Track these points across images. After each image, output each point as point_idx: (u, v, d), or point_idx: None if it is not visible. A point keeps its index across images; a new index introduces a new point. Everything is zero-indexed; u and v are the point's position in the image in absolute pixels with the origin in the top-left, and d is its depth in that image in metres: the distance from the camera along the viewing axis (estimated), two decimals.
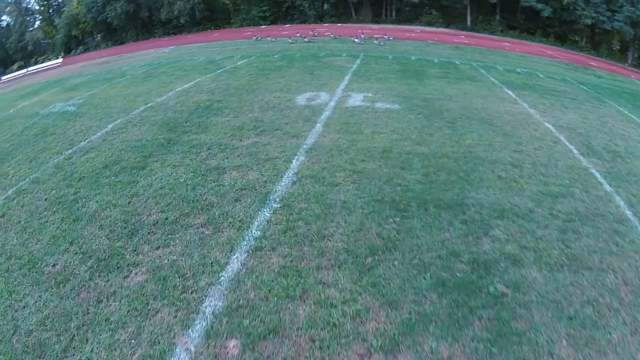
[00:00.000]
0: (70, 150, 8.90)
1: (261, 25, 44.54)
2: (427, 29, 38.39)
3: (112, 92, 14.91)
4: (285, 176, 6.32)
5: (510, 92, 13.13)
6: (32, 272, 4.88)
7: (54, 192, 6.93)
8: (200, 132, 8.81)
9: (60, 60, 42.06)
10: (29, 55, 59.92)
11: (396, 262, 4.49)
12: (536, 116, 10.43)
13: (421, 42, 27.96)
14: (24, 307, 4.29)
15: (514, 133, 8.77)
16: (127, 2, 47.43)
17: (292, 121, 8.97)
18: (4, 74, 50.17)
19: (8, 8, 59.99)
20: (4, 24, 62.11)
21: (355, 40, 25.88)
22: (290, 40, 26.73)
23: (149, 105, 11.83)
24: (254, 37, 30.15)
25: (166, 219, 5.54)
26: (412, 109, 10.04)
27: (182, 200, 5.93)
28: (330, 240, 4.82)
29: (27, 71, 41.47)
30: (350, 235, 4.91)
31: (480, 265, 4.50)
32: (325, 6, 47.99)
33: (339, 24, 41.36)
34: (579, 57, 32.48)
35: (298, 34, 29.06)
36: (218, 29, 47.09)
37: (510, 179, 6.52)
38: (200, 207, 5.72)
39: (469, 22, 41.26)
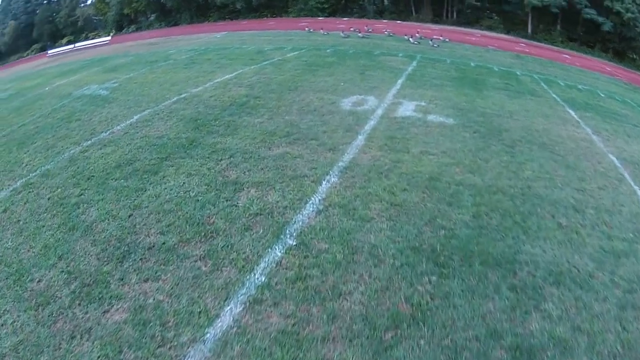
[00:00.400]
0: (90, 142, 8.51)
1: (319, 16, 43.74)
2: (487, 33, 36.63)
3: (150, 77, 14.65)
4: (311, 202, 5.44)
5: (572, 113, 11.75)
6: (17, 286, 4.46)
7: (59, 190, 6.48)
8: (227, 134, 8.09)
9: (108, 38, 42.98)
10: (79, 30, 61.56)
11: (422, 342, 3.52)
12: (599, 144, 9.09)
13: (481, 47, 26.30)
14: (2, 325, 3.96)
15: (577, 165, 7.53)
16: None
17: (331, 130, 8.08)
18: (52, 47, 52.03)
19: None
20: None
21: (410, 39, 24.60)
22: (343, 35, 25.76)
23: (182, 96, 11.30)
24: (306, 29, 29.39)
25: (163, 243, 4.83)
26: (468, 125, 8.91)
27: (186, 222, 5.20)
28: (346, 300, 3.90)
29: (75, 47, 42.59)
30: (373, 296, 3.96)
31: (523, 354, 3.47)
32: (386, 2, 46.56)
33: (398, 22, 39.94)
34: (637, 77, 29.93)
35: (352, 29, 28.03)
36: (274, 17, 46.74)
37: (571, 229, 5.36)
38: (204, 233, 4.97)
39: (529, 31, 39.25)
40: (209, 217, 5.34)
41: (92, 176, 6.81)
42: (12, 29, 65.93)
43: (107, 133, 8.96)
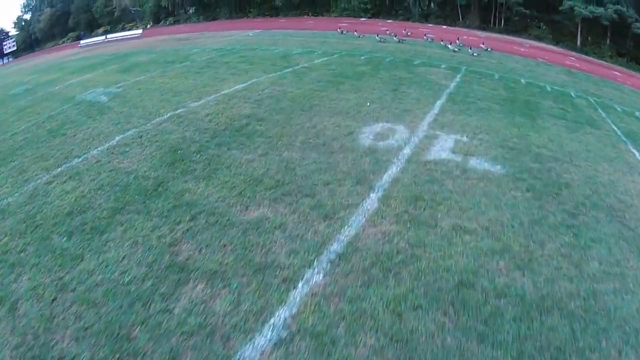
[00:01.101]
0: (59, 169, 7.36)
1: (361, 17, 41.80)
2: (535, 44, 34.00)
3: (157, 82, 13.60)
4: (272, 322, 3.67)
5: (637, 155, 9.51)
6: None
7: (5, 239, 5.34)
8: (203, 176, 6.47)
9: (140, 31, 42.52)
10: (116, 20, 61.57)
11: None
12: None
13: (531, 59, 23.80)
14: None
15: None
16: None
17: (337, 179, 6.28)
18: (86, 36, 52.24)
19: None
20: None
21: (449, 45, 22.39)
22: (378, 38, 23.77)
23: (178, 111, 9.95)
24: (339, 29, 27.51)
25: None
26: (520, 176, 6.90)
27: (106, 328, 3.71)
28: None
29: (106, 39, 42.43)
30: None
31: None
32: (432, 5, 44.05)
33: (444, 26, 37.52)
34: None
35: (388, 32, 25.96)
36: (316, 16, 45.10)
37: None
38: (119, 355, 3.38)
39: (578, 43, 36.49)
40: (132, 326, 3.72)
41: (40, 225, 5.54)
42: (47, 16, 67.38)
43: (80, 159, 7.73)
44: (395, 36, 24.58)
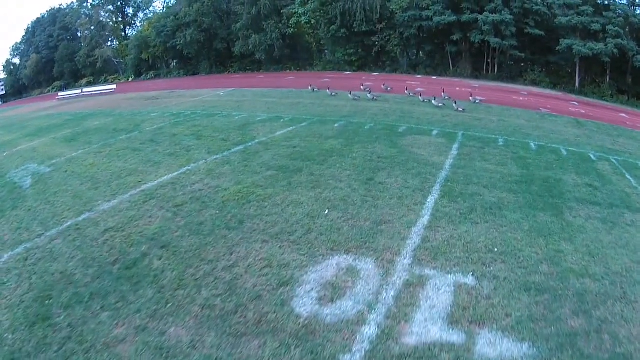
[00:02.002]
0: None
1: (346, 71, 39.76)
2: (533, 90, 31.83)
3: (87, 163, 11.78)
4: None
5: None
6: None
7: None
8: None
9: (114, 86, 40.39)
10: (99, 72, 59.77)
11: None
12: None
13: (533, 111, 21.19)
14: None
15: None
16: (198, 30, 44.94)
17: None
18: (65, 89, 50.24)
19: (79, 20, 60.20)
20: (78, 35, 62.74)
21: (433, 101, 19.65)
22: (351, 97, 21.15)
23: (80, 219, 7.70)
24: (309, 87, 25.06)
25: None
26: None
27: None
28: None
29: (82, 92, 40.58)
30: None
31: None
32: (420, 54, 42.17)
33: (434, 77, 35.44)
34: None
35: (362, 87, 23.36)
36: (298, 70, 43.20)
37: None
38: None
39: (577, 84, 34.47)
40: None
41: None
42: (33, 62, 65.67)
43: None
44: (370, 92, 21.75)
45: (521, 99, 25.85)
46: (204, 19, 44.79)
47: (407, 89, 22.52)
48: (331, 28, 38.71)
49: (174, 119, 17.87)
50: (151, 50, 51.34)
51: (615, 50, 31.01)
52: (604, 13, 32.90)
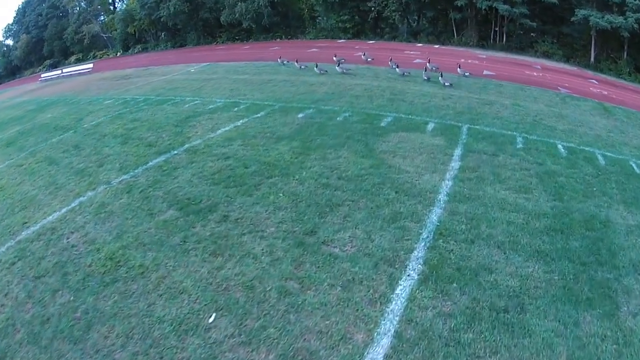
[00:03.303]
0: None
1: (340, 38, 35.33)
2: (546, 63, 27.29)
3: None
4: None
5: None
6: None
7: None
8: None
9: (90, 66, 36.33)
10: (88, 48, 55.62)
11: None
12: None
13: (551, 90, 16.96)
14: None
15: None
16: (182, 0, 40.45)
17: None
18: (53, 68, 46.70)
19: None
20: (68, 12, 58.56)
21: (423, 75, 15.95)
22: (317, 70, 17.33)
23: None
24: (278, 59, 21.13)
25: None
26: None
27: None
28: None
29: (62, 73, 36.69)
30: None
31: None
32: (422, 21, 37.36)
33: (436, 46, 30.99)
34: None
35: (335, 57, 19.18)
36: (289, 39, 38.78)
37: None
38: None
39: (592, 59, 29.69)
40: None
41: None
42: (24, 42, 61.77)
43: None
44: (339, 65, 17.70)
45: (535, 74, 21.63)
46: None
47: (390, 60, 18.28)
48: None
49: (121, 109, 14.58)
50: (136, 24, 46.86)
51: (636, 26, 26.47)
52: None
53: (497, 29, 31.92)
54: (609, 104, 16.42)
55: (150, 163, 8.51)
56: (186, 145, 9.30)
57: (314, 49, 27.22)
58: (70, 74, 35.45)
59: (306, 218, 5.84)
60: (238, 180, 7.21)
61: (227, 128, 10.26)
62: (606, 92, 19.93)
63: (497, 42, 31.73)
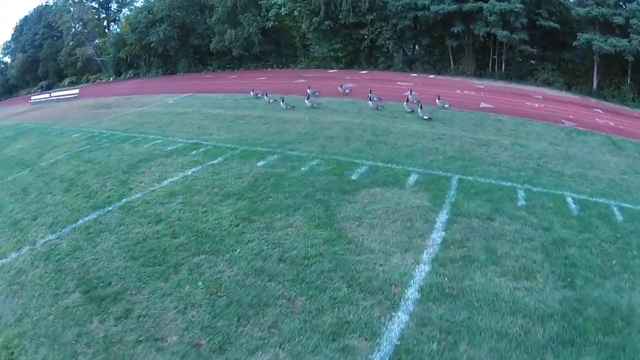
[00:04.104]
0: None
1: (332, 68, 34.20)
2: (547, 92, 26.16)
3: None
4: None
5: None
6: None
7: None
8: None
9: (77, 91, 35.48)
10: (81, 71, 54.81)
11: None
12: None
13: (555, 125, 15.54)
14: None
15: None
16: (172, 26, 39.59)
17: None
18: (43, 91, 46.23)
19: (62, 18, 54.92)
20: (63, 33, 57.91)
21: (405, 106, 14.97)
22: (283, 105, 16.14)
23: None
24: (251, 92, 19.92)
25: None
26: None
27: None
28: None
29: (50, 97, 35.92)
30: None
31: None
32: (417, 49, 36.26)
33: (432, 75, 29.81)
34: None
35: (309, 90, 17.63)
36: (281, 67, 37.85)
37: None
38: None
39: (594, 85, 28.56)
40: None
41: None
42: (20, 61, 61.07)
43: None
44: (308, 99, 16.37)
45: (536, 105, 20.30)
46: (177, 13, 39.40)
47: (370, 92, 16.81)
48: (314, 20, 33.10)
49: (83, 145, 13.61)
50: (128, 49, 46.02)
51: None
52: (627, 5, 27.14)
53: (495, 56, 30.83)
54: (618, 137, 15.05)
55: (80, 221, 7.29)
56: (124, 200, 7.95)
57: (301, 80, 26.01)
58: (58, 99, 34.88)
59: (220, 325, 4.36)
60: (159, 257, 5.76)
61: (174, 178, 8.83)
62: (613, 123, 18.68)
63: (496, 70, 30.60)
